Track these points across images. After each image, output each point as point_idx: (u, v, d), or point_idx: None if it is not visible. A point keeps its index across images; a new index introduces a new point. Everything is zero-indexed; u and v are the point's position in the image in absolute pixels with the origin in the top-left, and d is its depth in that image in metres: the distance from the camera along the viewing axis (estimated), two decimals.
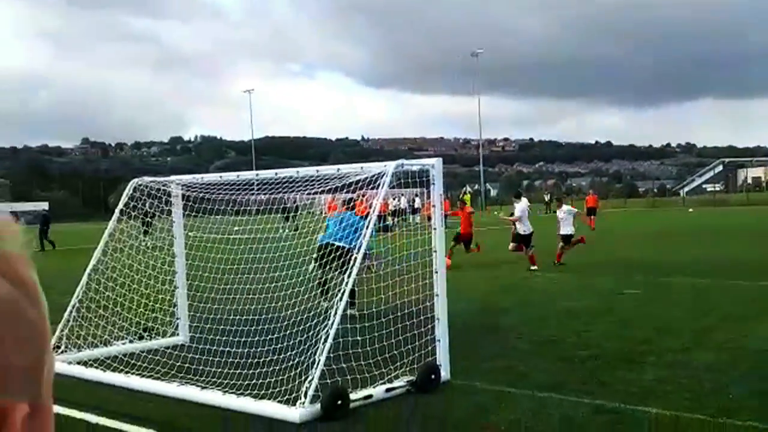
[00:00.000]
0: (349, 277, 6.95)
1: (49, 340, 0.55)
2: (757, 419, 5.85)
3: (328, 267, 10.76)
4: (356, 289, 10.25)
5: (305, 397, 6.28)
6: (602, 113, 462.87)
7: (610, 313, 11.18)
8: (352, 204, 12.61)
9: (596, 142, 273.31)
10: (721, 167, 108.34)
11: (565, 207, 19.72)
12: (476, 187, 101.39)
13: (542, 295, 13.42)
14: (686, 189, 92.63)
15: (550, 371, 7.74)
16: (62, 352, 8.77)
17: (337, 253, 10.32)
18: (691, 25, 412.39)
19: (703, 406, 6.27)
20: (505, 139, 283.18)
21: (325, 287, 10.78)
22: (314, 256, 10.98)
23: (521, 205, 18.39)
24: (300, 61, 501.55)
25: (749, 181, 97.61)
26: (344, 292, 6.80)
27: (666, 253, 20.45)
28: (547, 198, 64.17)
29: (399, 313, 8.09)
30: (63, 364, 8.42)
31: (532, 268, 17.13)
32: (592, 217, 32.81)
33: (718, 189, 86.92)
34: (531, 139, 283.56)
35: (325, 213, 23.92)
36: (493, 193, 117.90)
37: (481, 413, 6.34)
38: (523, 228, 17.76)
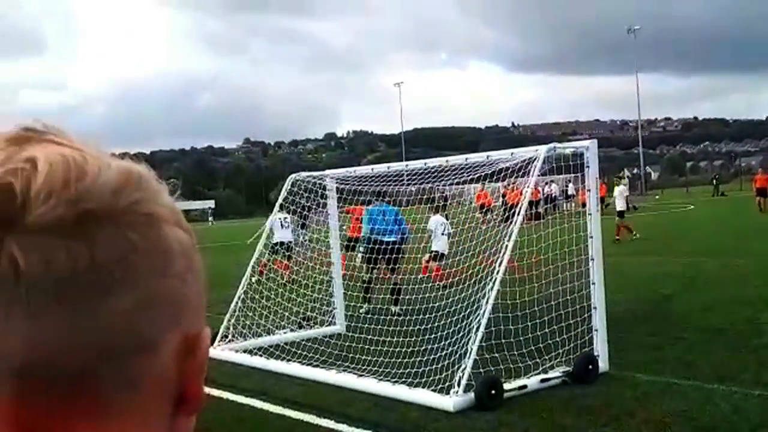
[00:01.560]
0: (500, 266, 6.87)
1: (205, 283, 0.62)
2: None
3: (377, 264, 10.79)
4: (402, 287, 10.26)
5: (458, 386, 6.29)
6: None
7: None
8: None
9: (767, 118, 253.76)
10: None
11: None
12: (635, 170, 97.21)
13: (708, 282, 12.65)
14: None
15: (719, 361, 7.29)
16: (230, 341, 9.31)
17: (387, 247, 10.44)
18: None
19: None
20: (666, 119, 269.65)
21: (371, 285, 10.81)
22: (360, 251, 11.04)
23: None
24: (447, 49, 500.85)
25: None
26: (495, 280, 6.74)
27: None
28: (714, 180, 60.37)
29: (554, 302, 7.90)
30: (230, 353, 8.94)
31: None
32: (761, 199, 30.43)
33: None
34: (695, 118, 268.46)
35: (475, 202, 23.85)
36: (653, 176, 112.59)
37: (642, 405, 6.08)
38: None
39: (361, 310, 10.46)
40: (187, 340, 0.55)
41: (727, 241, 19.61)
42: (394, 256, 10.49)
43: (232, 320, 9.45)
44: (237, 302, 9.56)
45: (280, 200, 10.70)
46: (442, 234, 12.73)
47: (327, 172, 10.88)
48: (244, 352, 9.00)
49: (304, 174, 10.82)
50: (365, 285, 10.97)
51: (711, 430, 5.39)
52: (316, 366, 8.01)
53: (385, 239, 10.74)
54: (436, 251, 12.80)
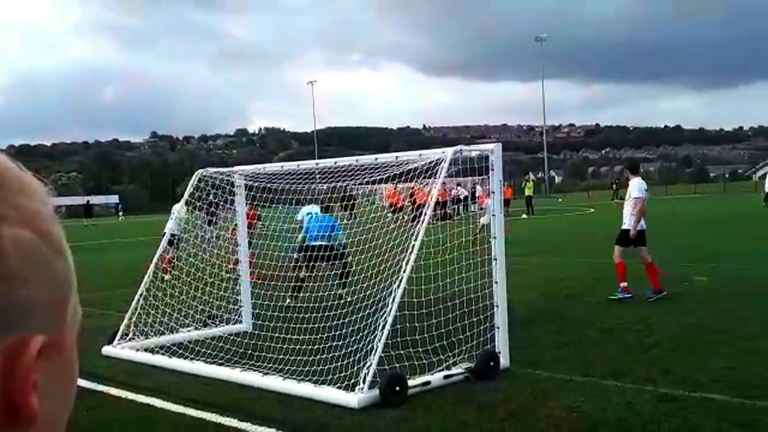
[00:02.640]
0: (407, 264, 6.95)
1: (74, 288, 0.58)
2: None
3: (311, 266, 11.08)
4: (349, 270, 10.60)
5: (364, 383, 6.34)
6: (672, 96, 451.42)
7: (678, 301, 10.90)
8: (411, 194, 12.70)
9: (665, 127, 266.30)
10: None
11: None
12: (540, 174, 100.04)
13: (608, 283, 13.16)
14: (759, 173, 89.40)
15: (614, 359, 7.61)
16: (130, 339, 9.06)
17: (320, 253, 10.75)
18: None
19: None
20: (571, 125, 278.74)
21: (301, 285, 11.03)
22: (298, 255, 11.26)
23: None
24: (362, 50, 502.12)
25: None
26: (401, 279, 6.82)
27: (735, 240, 19.82)
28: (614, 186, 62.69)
29: (458, 300, 8.06)
30: (130, 351, 8.70)
31: None
32: None
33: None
34: (597, 125, 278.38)
35: (385, 202, 23.93)
36: (557, 180, 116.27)
37: (540, 401, 6.28)
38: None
39: (286, 302, 10.40)
40: (16, 347, 0.52)
41: None
42: (325, 256, 10.84)
43: (134, 318, 9.20)
44: (138, 300, 9.31)
45: (185, 196, 10.48)
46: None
47: (236, 168, 10.73)
48: (145, 350, 8.78)
49: (211, 169, 10.64)
50: (296, 284, 10.97)
51: (605, 425, 5.61)
52: (221, 364, 7.89)
53: (317, 244, 11.04)
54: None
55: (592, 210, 43.29)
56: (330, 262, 11.15)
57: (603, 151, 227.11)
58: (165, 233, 10.72)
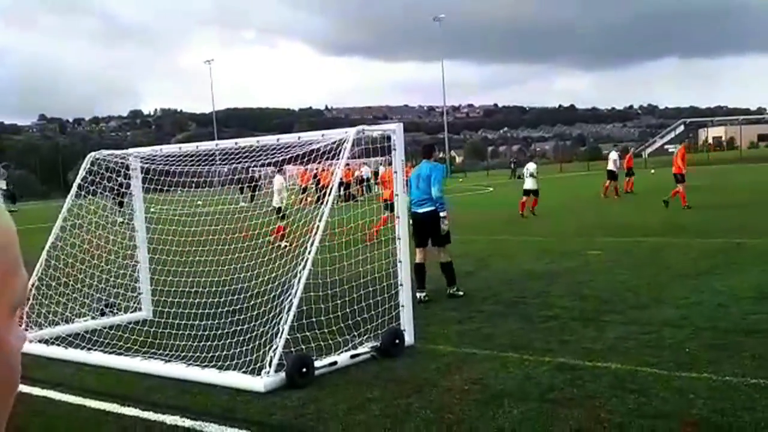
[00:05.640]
0: (312, 245, 6.93)
1: (18, 270, 0.60)
2: (712, 372, 6.00)
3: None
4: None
5: (269, 366, 6.30)
6: (566, 76, 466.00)
7: (573, 274, 11.34)
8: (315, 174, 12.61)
9: (560, 106, 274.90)
10: (682, 128, 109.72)
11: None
12: (441, 154, 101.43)
13: (506, 258, 13.55)
14: (648, 150, 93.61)
15: (514, 332, 7.84)
16: (24, 330, 8.65)
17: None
18: None
19: (662, 361, 6.41)
20: (470, 105, 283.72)
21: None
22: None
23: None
24: (256, 27, 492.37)
25: (710, 140, 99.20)
26: (307, 260, 6.79)
27: (627, 215, 20.76)
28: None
29: (363, 280, 8.11)
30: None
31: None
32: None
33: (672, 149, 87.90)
34: (495, 105, 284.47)
35: (298, 183, 23.70)
36: (458, 159, 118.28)
37: (444, 375, 6.42)
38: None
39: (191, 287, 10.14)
40: None
41: (523, 221, 21.09)
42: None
43: (26, 308, 8.80)
44: (31, 289, 8.91)
45: (78, 180, 10.06)
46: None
47: (130, 150, 10.38)
48: (40, 342, 8.42)
49: (104, 152, 10.26)
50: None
51: (506, 395, 5.78)
52: (120, 354, 7.67)
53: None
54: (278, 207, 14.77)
55: (491, 189, 44.33)
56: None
57: (501, 131, 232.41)
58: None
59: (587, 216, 21.18)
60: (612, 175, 28.33)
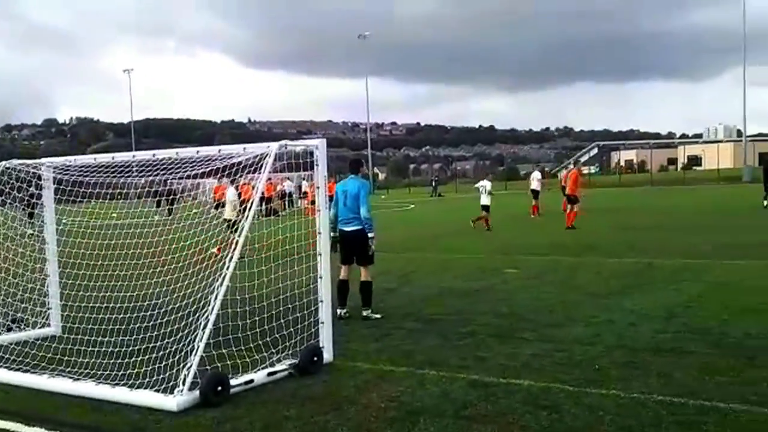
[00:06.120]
0: (230, 261, 6.83)
1: None
2: (621, 389, 6.19)
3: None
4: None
5: (183, 384, 6.15)
6: (486, 98, 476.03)
7: (491, 292, 11.54)
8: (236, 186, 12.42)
9: (480, 127, 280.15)
10: (596, 150, 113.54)
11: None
12: (365, 170, 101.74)
13: (427, 276, 13.67)
14: (564, 172, 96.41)
15: (432, 349, 7.91)
16: None
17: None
18: (573, 8, 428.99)
19: (573, 378, 6.58)
20: (393, 123, 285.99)
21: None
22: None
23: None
24: (176, 37, 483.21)
25: (622, 163, 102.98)
26: (225, 276, 6.68)
27: (543, 234, 21.28)
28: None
29: (282, 296, 8.04)
30: None
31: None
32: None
33: (593, 171, 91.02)
34: (418, 124, 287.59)
35: (210, 197, 23.38)
36: (381, 176, 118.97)
37: (362, 392, 6.41)
38: None
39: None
40: None
41: (443, 238, 21.37)
42: None
43: None
44: None
45: None
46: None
47: (43, 160, 10.01)
48: None
49: (16, 161, 9.86)
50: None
51: (422, 413, 5.82)
52: (27, 371, 7.35)
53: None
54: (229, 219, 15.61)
55: (413, 206, 44.73)
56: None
57: (423, 149, 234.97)
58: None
59: (506, 234, 21.62)
60: (535, 195, 29.20)
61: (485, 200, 23.31)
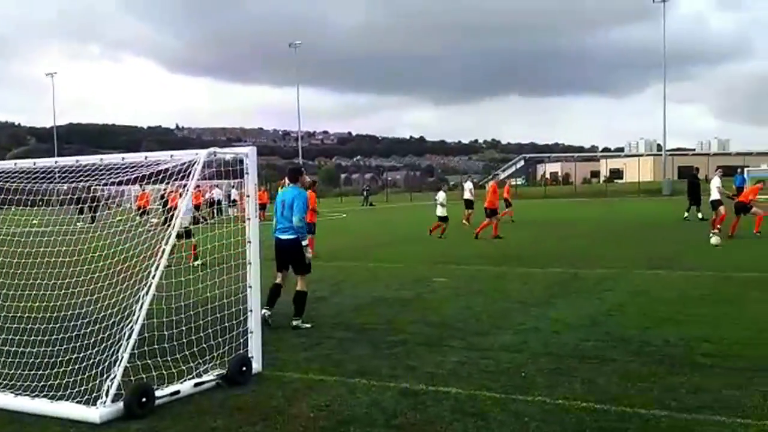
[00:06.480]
0: (156, 270, 6.69)
1: None
2: (546, 395, 6.34)
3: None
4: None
5: (107, 395, 6.00)
6: (417, 109, 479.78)
7: (421, 300, 11.64)
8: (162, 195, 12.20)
9: (410, 137, 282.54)
10: (522, 162, 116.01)
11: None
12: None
13: (358, 285, 13.68)
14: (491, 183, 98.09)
15: (362, 358, 7.92)
16: None
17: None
18: (502, 23, 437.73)
19: (500, 385, 6.69)
20: (325, 132, 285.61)
21: None
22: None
23: None
24: (102, 42, 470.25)
25: (547, 175, 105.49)
26: (150, 285, 6.54)
27: (472, 244, 21.58)
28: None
29: (210, 306, 7.92)
30: None
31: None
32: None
33: (520, 183, 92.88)
34: (349, 133, 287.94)
35: (135, 205, 22.86)
36: None
37: (291, 402, 6.37)
38: None
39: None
40: None
41: (375, 248, 21.43)
42: None
43: None
44: None
45: None
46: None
47: None
48: None
49: None
50: None
51: (352, 422, 5.82)
52: None
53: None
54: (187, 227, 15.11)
55: (345, 215, 44.74)
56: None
57: (354, 159, 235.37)
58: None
59: (436, 244, 21.82)
60: (469, 204, 29.70)
61: (441, 211, 23.98)
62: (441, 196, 24.42)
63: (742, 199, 21.22)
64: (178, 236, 15.26)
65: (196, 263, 11.91)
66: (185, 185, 7.74)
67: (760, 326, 8.96)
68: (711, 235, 19.37)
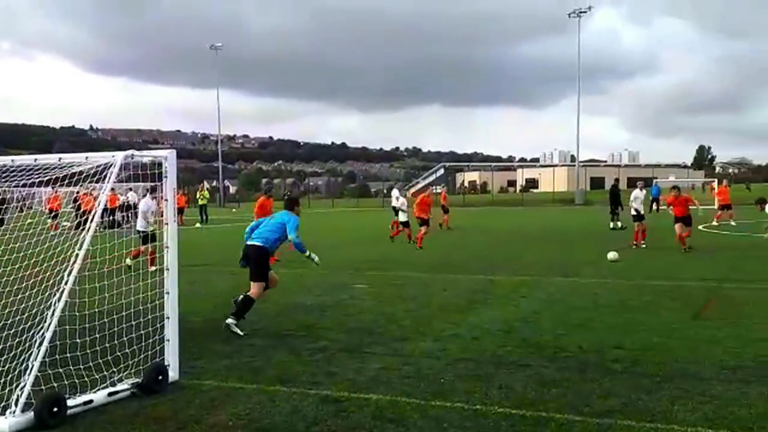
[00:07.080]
0: (69, 275, 6.47)
1: None
2: (465, 401, 6.43)
3: None
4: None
5: (16, 405, 5.76)
6: (340, 116, 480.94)
7: (341, 307, 11.64)
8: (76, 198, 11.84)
9: (332, 143, 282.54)
10: (442, 170, 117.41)
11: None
12: (214, 183, 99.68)
13: (277, 291, 13.54)
14: (412, 190, 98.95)
15: (282, 365, 7.86)
16: None
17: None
18: (426, 32, 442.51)
19: (420, 391, 6.75)
20: (245, 136, 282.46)
21: None
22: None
23: None
24: (10, 38, 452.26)
25: (466, 184, 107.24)
26: (63, 291, 6.32)
27: (395, 251, 21.71)
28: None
29: (125, 313, 7.71)
30: None
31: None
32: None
33: (439, 191, 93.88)
34: (270, 138, 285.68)
35: (46, 207, 22.05)
36: (231, 189, 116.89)
37: (209, 411, 6.26)
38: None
39: None
40: None
41: (295, 254, 21.24)
42: None
43: None
44: None
45: None
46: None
47: None
48: None
49: None
50: None
51: (272, 430, 5.77)
52: None
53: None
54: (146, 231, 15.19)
55: None
56: None
57: (276, 164, 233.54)
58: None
59: (359, 250, 21.87)
60: (397, 212, 29.92)
61: (402, 217, 24.43)
62: (401, 201, 25.25)
63: (682, 213, 19.92)
64: (144, 240, 14.82)
65: (152, 269, 11.59)
66: (100, 188, 7.52)
67: (669, 333, 9.34)
68: (610, 252, 17.86)
